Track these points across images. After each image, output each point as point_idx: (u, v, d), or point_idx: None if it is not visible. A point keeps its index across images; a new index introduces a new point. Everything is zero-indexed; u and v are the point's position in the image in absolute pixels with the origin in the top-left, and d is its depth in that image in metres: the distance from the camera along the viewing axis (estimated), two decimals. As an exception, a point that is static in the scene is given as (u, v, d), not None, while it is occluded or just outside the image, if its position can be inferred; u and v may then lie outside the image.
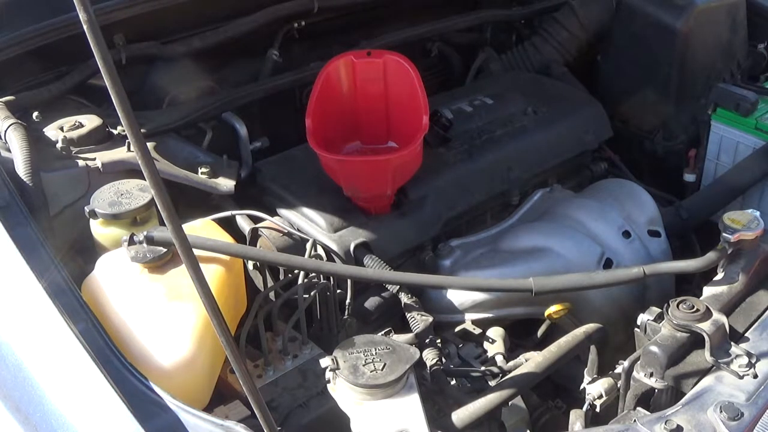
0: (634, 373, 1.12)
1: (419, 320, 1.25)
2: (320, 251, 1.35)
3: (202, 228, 1.27)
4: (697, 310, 1.10)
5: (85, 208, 1.28)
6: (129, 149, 1.42)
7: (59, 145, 1.40)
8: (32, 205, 1.24)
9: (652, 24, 1.90)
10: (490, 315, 1.42)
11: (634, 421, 1.01)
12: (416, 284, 1.31)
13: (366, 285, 1.38)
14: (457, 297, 1.41)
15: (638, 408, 1.12)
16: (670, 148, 1.97)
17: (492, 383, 1.24)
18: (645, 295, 1.47)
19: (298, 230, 1.41)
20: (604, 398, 1.20)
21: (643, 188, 1.66)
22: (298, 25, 1.86)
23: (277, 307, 1.24)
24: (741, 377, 1.02)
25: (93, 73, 1.58)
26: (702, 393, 1.00)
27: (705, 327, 1.07)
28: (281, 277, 1.34)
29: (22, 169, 1.27)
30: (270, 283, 1.38)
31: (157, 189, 0.68)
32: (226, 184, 1.47)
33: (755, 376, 1.02)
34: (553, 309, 1.35)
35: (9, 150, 1.33)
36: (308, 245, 1.34)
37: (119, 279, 1.16)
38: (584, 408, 1.21)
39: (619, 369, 1.16)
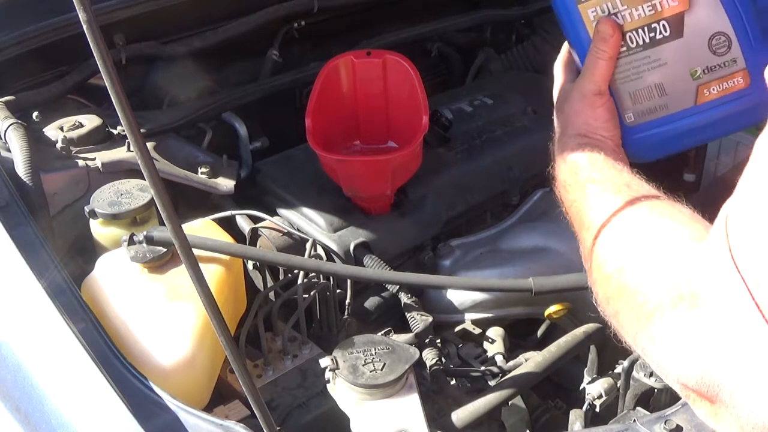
0: (634, 373, 1.12)
1: (419, 320, 1.25)
2: (320, 251, 1.35)
3: (202, 228, 1.27)
4: (697, 309, 1.10)
5: (85, 208, 1.28)
6: (129, 149, 1.42)
7: (59, 145, 1.40)
8: (32, 205, 1.24)
9: (652, 24, 1.90)
10: (490, 315, 1.42)
11: (634, 421, 1.01)
12: (416, 284, 1.31)
13: (366, 285, 1.38)
14: (457, 297, 1.41)
15: (638, 408, 1.12)
16: (671, 148, 1.97)
17: (492, 383, 1.24)
18: (645, 295, 1.47)
19: (298, 230, 1.41)
20: (604, 398, 1.20)
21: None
22: (298, 25, 1.86)
23: (276, 307, 1.24)
24: (741, 377, 1.02)
25: (93, 73, 1.58)
26: (702, 393, 1.00)
27: (705, 327, 1.07)
28: (281, 277, 1.34)
29: (22, 169, 1.27)
30: (270, 283, 1.38)
31: (157, 189, 0.68)
32: (225, 184, 1.46)
33: (755, 376, 1.01)
34: (552, 309, 1.35)
35: (9, 150, 1.33)
36: (308, 245, 1.34)
37: (119, 279, 1.17)
38: (584, 408, 1.21)
39: (618, 369, 1.16)
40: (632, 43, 0.99)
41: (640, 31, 0.98)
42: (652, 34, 0.97)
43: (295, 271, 1.29)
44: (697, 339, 0.60)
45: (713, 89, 1.00)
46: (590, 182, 0.89)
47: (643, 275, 0.70)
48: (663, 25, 0.97)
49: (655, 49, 0.98)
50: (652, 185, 0.85)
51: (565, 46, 1.07)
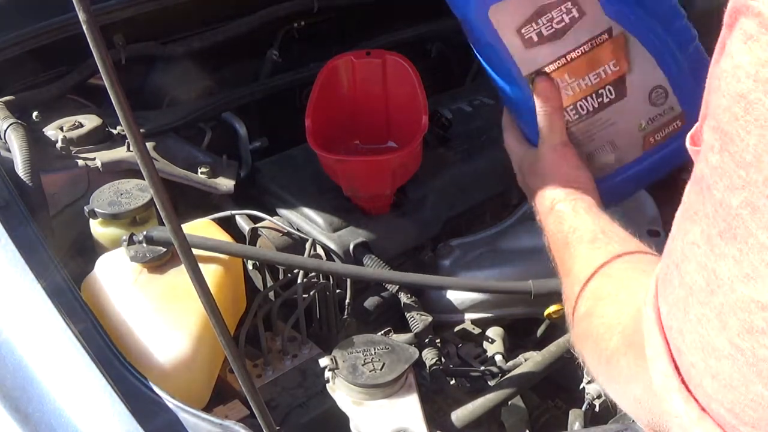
0: (633, 373, 1.12)
1: (419, 320, 1.25)
2: (320, 251, 1.35)
3: (202, 228, 1.27)
4: (697, 309, 1.10)
5: (85, 207, 1.28)
6: (129, 149, 1.42)
7: (59, 145, 1.40)
8: (32, 205, 1.24)
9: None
10: (490, 315, 1.42)
11: (633, 420, 1.01)
12: (416, 284, 1.31)
13: (365, 285, 1.38)
14: (457, 297, 1.41)
15: (637, 408, 1.12)
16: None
17: (491, 383, 1.24)
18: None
19: (298, 230, 1.41)
20: (603, 398, 1.20)
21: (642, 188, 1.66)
22: (297, 25, 1.86)
23: (276, 306, 1.24)
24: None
25: (93, 73, 1.58)
26: (701, 392, 1.00)
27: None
28: (281, 276, 1.34)
29: (21, 169, 1.27)
30: (269, 282, 1.38)
31: (156, 189, 0.68)
32: (225, 184, 1.47)
33: (754, 375, 1.01)
34: (552, 309, 1.34)
35: (9, 150, 1.33)
36: (307, 245, 1.34)
37: (119, 278, 1.17)
38: (583, 407, 1.22)
39: (618, 369, 1.16)
40: (582, 110, 1.07)
41: (588, 98, 1.07)
42: (600, 99, 1.06)
43: (295, 271, 1.29)
44: (642, 387, 0.64)
45: (657, 136, 1.10)
46: (571, 231, 0.96)
47: (604, 322, 0.77)
48: (608, 89, 1.05)
49: (604, 112, 1.08)
50: (628, 231, 0.93)
51: (507, 125, 1.15)
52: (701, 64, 1.12)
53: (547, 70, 1.04)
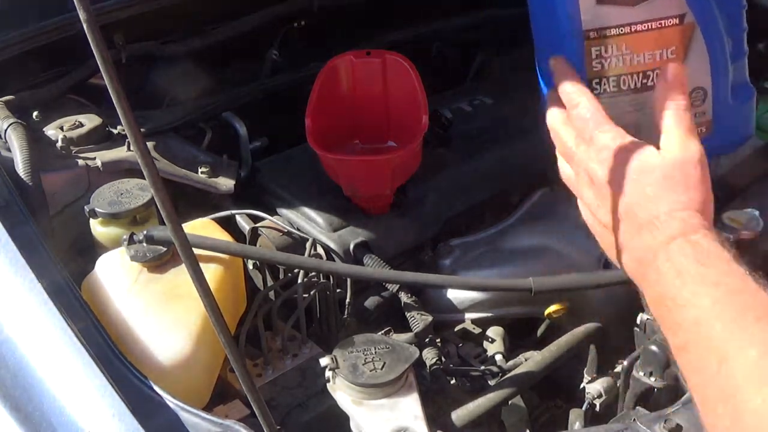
0: (634, 372, 1.12)
1: (419, 320, 1.25)
2: (320, 250, 1.35)
3: (202, 227, 1.27)
4: (697, 309, 1.10)
5: (85, 207, 1.28)
6: (129, 148, 1.42)
7: (59, 144, 1.40)
8: (32, 205, 1.24)
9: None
10: (490, 314, 1.42)
11: (634, 420, 1.01)
12: (416, 284, 1.31)
13: (366, 284, 1.38)
14: (457, 296, 1.41)
15: (638, 407, 1.12)
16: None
17: (491, 382, 1.24)
18: (645, 294, 1.47)
19: (298, 230, 1.41)
20: (604, 397, 1.20)
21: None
22: (298, 25, 1.86)
23: (276, 306, 1.24)
24: (740, 376, 1.02)
25: (93, 73, 1.58)
26: (701, 392, 1.00)
27: (704, 326, 1.07)
28: (281, 276, 1.34)
29: (21, 169, 1.27)
30: (270, 282, 1.38)
31: (157, 188, 0.69)
32: (225, 183, 1.47)
33: (755, 375, 1.01)
34: (552, 308, 1.35)
35: (9, 150, 1.33)
36: (308, 244, 1.34)
37: (119, 278, 1.17)
38: (584, 407, 1.22)
39: (618, 368, 1.16)
40: (624, 85, 1.05)
41: (634, 75, 1.03)
42: (644, 81, 1.03)
43: (295, 271, 1.29)
44: None
45: None
46: (729, 290, 0.67)
47: None
48: (656, 73, 1.01)
49: (641, 95, 1.03)
50: None
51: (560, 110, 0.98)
52: (742, 82, 1.11)
53: (608, 33, 1.01)
